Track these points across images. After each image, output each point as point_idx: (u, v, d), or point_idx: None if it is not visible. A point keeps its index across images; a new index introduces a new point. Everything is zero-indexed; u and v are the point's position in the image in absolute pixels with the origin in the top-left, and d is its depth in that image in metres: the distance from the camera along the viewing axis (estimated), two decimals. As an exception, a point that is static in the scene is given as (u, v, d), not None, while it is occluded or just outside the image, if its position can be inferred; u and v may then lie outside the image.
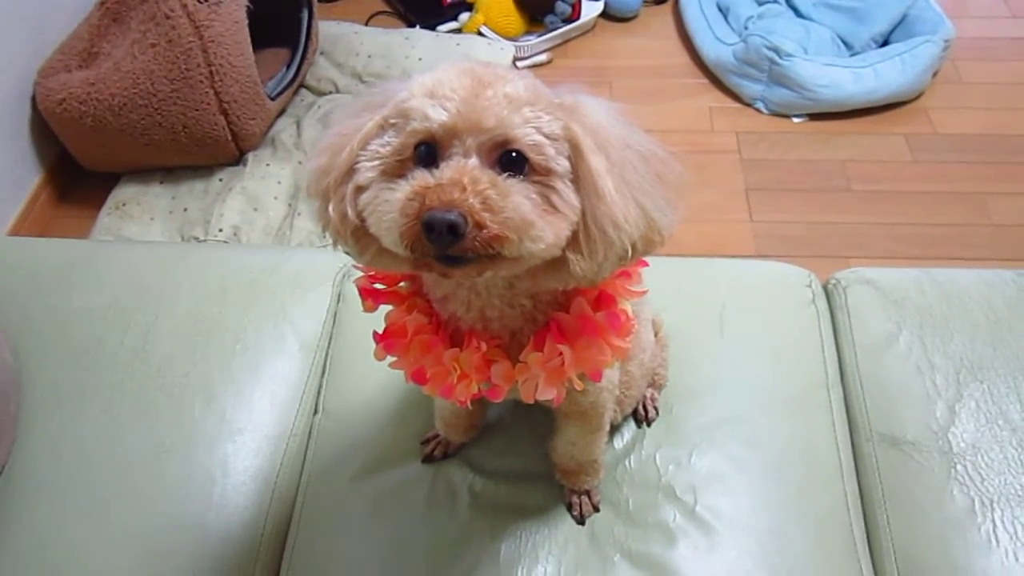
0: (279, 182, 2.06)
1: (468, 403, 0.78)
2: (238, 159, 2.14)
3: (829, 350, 1.19)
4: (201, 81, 1.90)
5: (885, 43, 2.46)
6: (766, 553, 1.00)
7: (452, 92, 0.63)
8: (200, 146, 2.02)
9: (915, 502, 1.03)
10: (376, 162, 0.65)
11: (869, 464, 1.08)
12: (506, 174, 0.62)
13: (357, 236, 0.68)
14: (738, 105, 2.43)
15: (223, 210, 1.98)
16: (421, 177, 0.62)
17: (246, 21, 1.99)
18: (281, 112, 2.28)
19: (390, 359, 0.80)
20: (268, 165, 2.11)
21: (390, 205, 0.62)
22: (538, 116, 0.63)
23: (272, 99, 2.16)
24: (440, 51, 2.40)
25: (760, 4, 2.61)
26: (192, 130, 1.97)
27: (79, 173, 2.19)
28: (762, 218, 2.10)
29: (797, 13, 2.59)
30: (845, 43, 2.49)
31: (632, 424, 1.09)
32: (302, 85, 2.37)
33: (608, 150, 0.65)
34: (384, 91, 0.69)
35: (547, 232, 0.62)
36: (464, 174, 0.60)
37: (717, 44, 2.46)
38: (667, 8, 2.79)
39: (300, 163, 2.12)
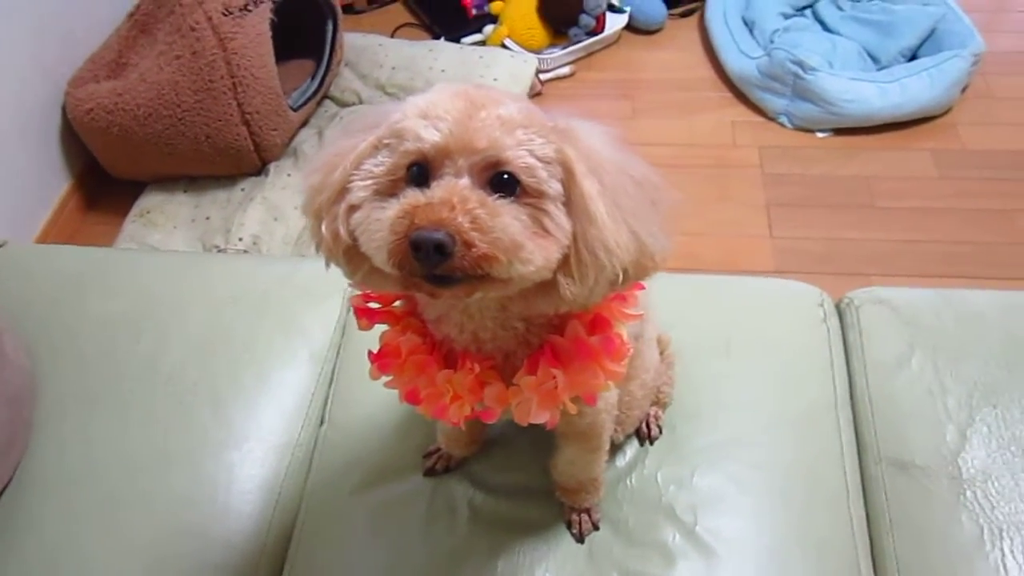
0: (300, 192, 2.07)
1: (462, 424, 0.78)
2: (260, 169, 2.17)
3: (839, 370, 1.17)
4: (224, 92, 1.93)
5: (913, 57, 2.43)
6: (766, 574, 0.99)
7: (445, 113, 0.63)
8: (223, 156, 2.05)
9: (923, 528, 1.01)
10: (369, 181, 0.65)
11: (877, 488, 1.06)
12: (497, 195, 0.62)
13: (349, 255, 0.68)
14: (762, 119, 2.42)
15: (244, 219, 2.00)
16: (412, 196, 0.62)
17: (270, 33, 2.02)
18: (304, 123, 2.30)
19: (385, 378, 0.81)
20: (289, 175, 2.13)
21: (380, 224, 0.62)
22: (531, 139, 0.63)
23: (295, 110, 2.19)
24: (464, 63, 2.41)
25: (786, 18, 2.59)
26: (215, 140, 2.00)
27: (106, 181, 2.23)
28: (783, 234, 2.08)
29: (824, 27, 2.57)
30: (872, 57, 2.46)
31: (635, 442, 1.08)
32: (326, 96, 2.39)
33: (601, 174, 0.65)
34: (379, 112, 0.69)
35: (537, 255, 0.61)
36: (454, 193, 0.60)
37: (742, 57, 2.45)
38: (692, 21, 2.78)
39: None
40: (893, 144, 2.30)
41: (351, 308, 0.81)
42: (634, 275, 0.67)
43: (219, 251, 1.95)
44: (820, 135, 2.34)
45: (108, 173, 2.21)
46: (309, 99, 2.27)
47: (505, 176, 0.62)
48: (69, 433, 1.12)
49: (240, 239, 1.96)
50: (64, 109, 2.07)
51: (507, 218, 0.61)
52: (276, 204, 2.05)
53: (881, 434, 1.10)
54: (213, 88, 1.91)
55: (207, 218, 2.07)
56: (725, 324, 1.21)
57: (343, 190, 0.66)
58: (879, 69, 2.41)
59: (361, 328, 0.80)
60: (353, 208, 0.66)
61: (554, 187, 0.63)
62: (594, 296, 0.67)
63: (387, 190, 0.65)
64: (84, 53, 2.13)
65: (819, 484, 1.06)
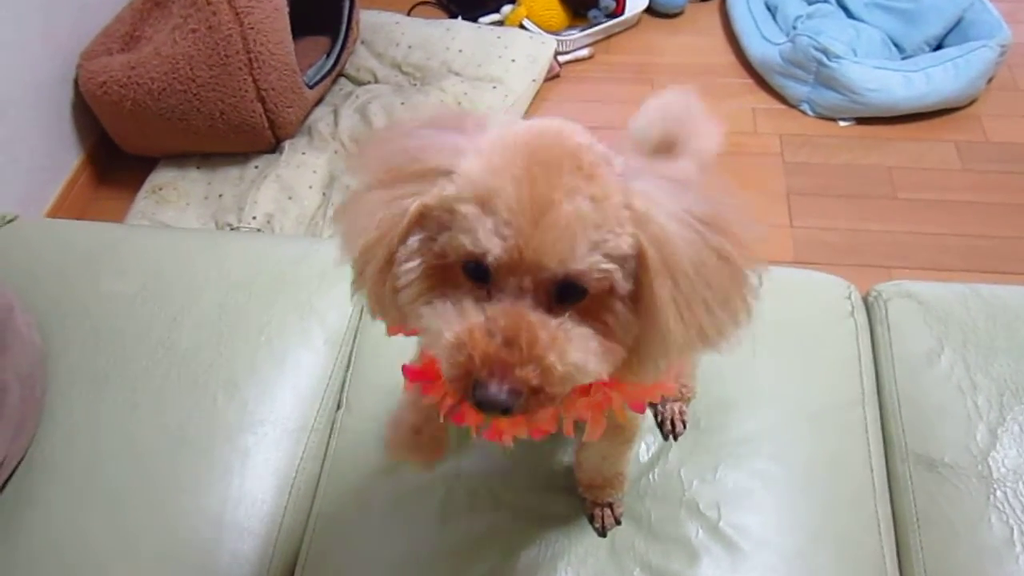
0: (314, 171, 2.06)
1: (511, 442, 0.76)
2: (274, 147, 2.14)
3: (867, 365, 1.15)
4: (240, 68, 1.90)
5: (939, 47, 2.39)
6: (791, 573, 0.97)
7: (508, 212, 0.54)
8: (237, 133, 2.02)
9: (950, 528, 0.99)
10: (416, 262, 0.60)
11: (903, 486, 1.04)
12: (566, 311, 0.57)
13: (393, 311, 0.63)
14: (783, 107, 2.38)
15: (257, 198, 1.98)
16: (469, 313, 0.57)
17: (287, 9, 1.99)
18: (319, 101, 2.27)
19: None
20: (304, 154, 2.11)
21: (436, 337, 0.57)
22: (606, 239, 0.55)
23: (310, 88, 2.16)
24: (481, 44, 2.37)
25: (810, 4, 2.54)
26: (229, 117, 1.97)
27: (118, 156, 2.21)
28: (803, 224, 2.05)
29: (848, 13, 2.52)
30: (897, 45, 2.42)
31: (658, 436, 1.06)
32: (341, 74, 2.36)
33: (677, 274, 0.57)
34: (422, 149, 0.61)
35: (601, 369, 0.58)
36: (521, 327, 0.55)
37: (764, 43, 2.41)
38: (714, 5, 2.73)
39: (336, 153, 2.12)
40: (916, 135, 2.26)
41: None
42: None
43: (232, 229, 1.93)
44: (842, 124, 2.30)
45: (120, 148, 2.19)
46: (324, 76, 2.24)
47: (572, 286, 0.57)
48: (80, 414, 1.10)
49: (254, 217, 1.94)
50: (76, 82, 2.04)
51: (580, 353, 0.56)
52: (290, 183, 2.03)
53: (909, 431, 1.07)
54: (229, 63, 1.88)
55: (220, 196, 2.04)
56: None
57: (390, 260, 0.61)
58: (903, 58, 2.37)
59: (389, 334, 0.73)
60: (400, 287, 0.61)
61: (624, 286, 0.58)
62: (647, 381, 0.64)
63: (437, 273, 0.60)
64: (97, 26, 2.10)
65: (845, 481, 1.04)
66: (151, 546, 1.00)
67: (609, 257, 0.55)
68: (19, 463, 1.06)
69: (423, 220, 0.59)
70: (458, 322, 0.57)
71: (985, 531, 0.97)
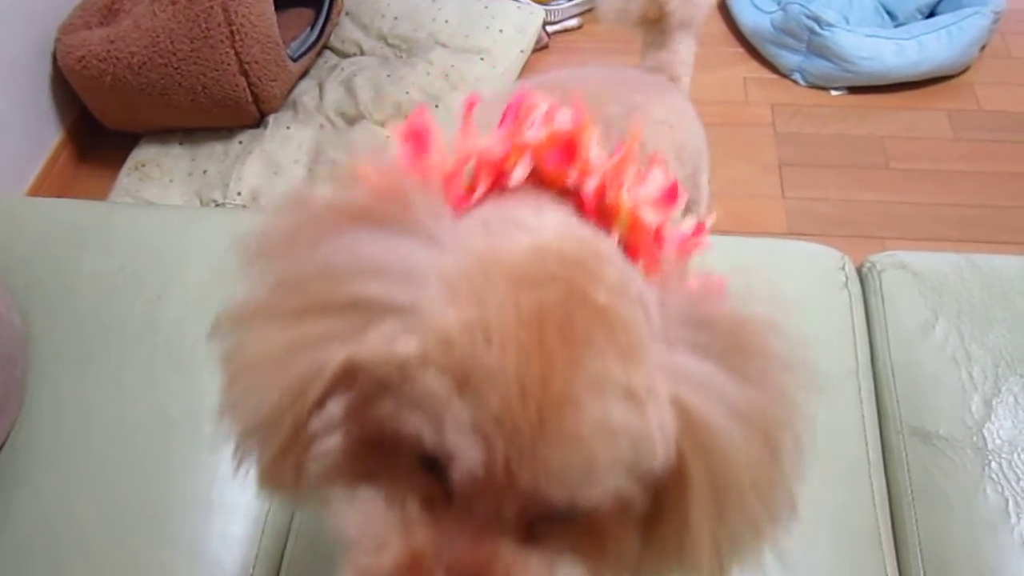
0: (299, 145, 2.03)
1: None
2: (259, 122, 2.11)
3: (861, 337, 1.14)
4: (221, 41, 1.86)
5: (932, 14, 2.37)
6: (784, 544, 0.96)
7: (501, 403, 0.35)
8: (220, 107, 1.98)
9: (945, 499, 0.99)
10: (335, 438, 0.42)
11: (898, 458, 1.04)
12: (548, 531, 0.41)
13: (296, 493, 0.47)
14: (774, 76, 2.35)
15: (242, 173, 1.95)
16: (413, 527, 0.39)
17: (269, -20, 1.95)
18: (304, 74, 2.23)
19: None
20: (289, 128, 2.07)
21: (355, 550, 0.41)
22: (640, 462, 0.39)
23: (294, 60, 2.12)
24: (468, 15, 2.33)
25: (801, -29, 2.52)
26: (212, 91, 1.93)
27: (99, 132, 2.17)
28: (795, 195, 2.03)
29: (840, -19, 2.50)
30: (889, 13, 2.40)
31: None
32: (325, 47, 2.32)
33: (726, 495, 0.42)
34: (355, 265, 0.41)
35: None
36: (487, 570, 0.38)
37: (755, 12, 2.38)
38: (704, -26, 2.70)
39: (321, 127, 2.09)
40: (908, 103, 2.25)
41: None
42: None
43: (217, 206, 1.91)
44: (834, 93, 2.29)
45: (101, 124, 2.15)
46: (309, 49, 2.20)
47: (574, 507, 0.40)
48: (64, 394, 1.08)
49: (239, 193, 1.91)
50: (54, 57, 2.00)
51: None
52: (275, 158, 2.00)
53: (904, 403, 1.07)
54: (210, 36, 1.85)
55: (204, 172, 2.01)
56: (740, 287, 1.17)
57: (295, 435, 0.43)
58: (896, 26, 2.35)
59: None
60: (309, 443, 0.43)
61: (641, 506, 0.41)
62: None
63: (371, 450, 0.41)
64: (75, -2, 2.06)
65: (840, 454, 1.04)
66: (138, 525, 0.99)
67: (639, 479, 0.39)
68: (2, 445, 1.04)
69: (351, 376, 0.41)
70: (394, 538, 0.39)
71: (980, 503, 0.97)
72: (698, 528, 0.42)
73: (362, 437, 0.41)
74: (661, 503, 0.42)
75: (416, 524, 0.39)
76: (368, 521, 0.40)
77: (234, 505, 1.02)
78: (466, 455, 0.36)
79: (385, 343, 0.38)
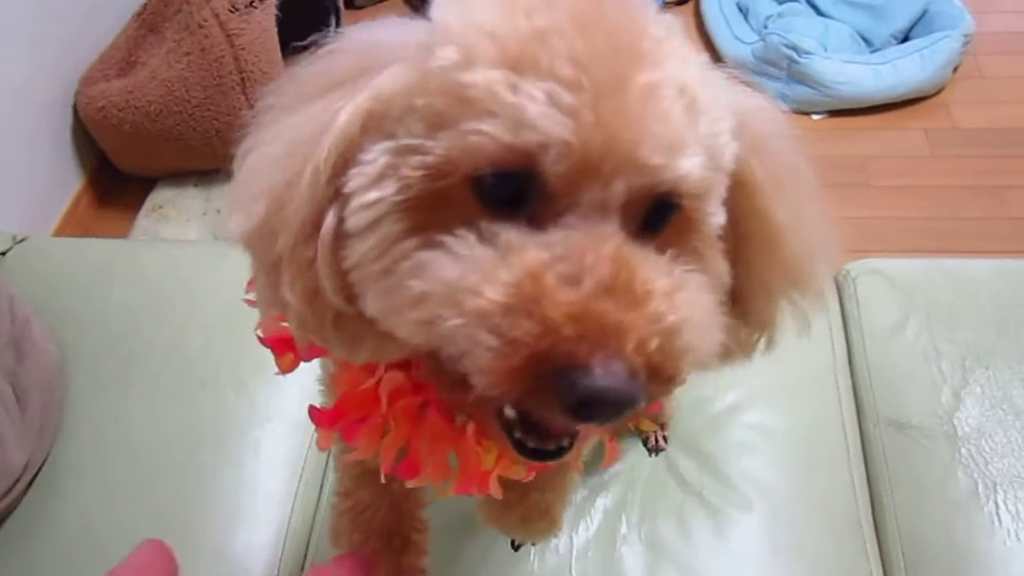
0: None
1: (499, 491, 0.53)
2: (269, 162, 2.20)
3: (838, 338, 1.22)
4: (233, 88, 1.97)
5: (905, 39, 2.47)
6: (773, 534, 1.03)
7: (572, 66, 0.32)
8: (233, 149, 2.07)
9: (920, 484, 1.05)
10: (381, 192, 0.36)
11: (876, 448, 1.11)
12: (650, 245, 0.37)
13: (342, 324, 0.41)
14: (758, 103, 2.44)
15: (254, 212, 2.03)
16: (517, 249, 0.33)
17: (275, 29, 2.06)
18: (310, 117, 2.33)
19: (340, 446, 0.53)
20: (297, 168, 2.16)
21: (451, 300, 0.33)
22: (715, 136, 0.37)
23: (301, 104, 2.21)
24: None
25: (780, 3, 2.63)
26: (225, 135, 2.03)
27: (118, 178, 2.27)
28: (781, 214, 2.11)
29: (817, 11, 2.60)
30: (865, 40, 2.50)
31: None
32: (330, 89, 2.42)
33: (786, 190, 0.42)
34: (367, 47, 0.40)
35: (718, 340, 0.40)
36: (620, 263, 0.33)
37: (736, 43, 2.48)
38: (688, 8, 2.81)
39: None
40: (887, 124, 2.34)
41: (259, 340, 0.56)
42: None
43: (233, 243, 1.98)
44: (816, 117, 2.38)
45: (119, 170, 2.25)
46: (314, 92, 2.30)
47: (663, 204, 0.37)
48: (100, 415, 1.16)
49: (251, 231, 1.99)
50: (75, 108, 2.10)
51: (702, 313, 0.37)
52: (285, 196, 2.08)
53: (879, 397, 1.14)
54: (222, 83, 1.95)
55: (218, 211, 2.10)
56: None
57: (320, 213, 0.38)
58: (872, 51, 2.45)
59: (283, 371, 0.56)
60: (344, 239, 0.38)
61: (720, 217, 0.40)
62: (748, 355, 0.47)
63: (422, 212, 0.36)
64: (93, 53, 2.17)
65: (822, 446, 1.11)
66: (173, 531, 1.03)
67: (719, 167, 0.38)
68: (43, 463, 1.12)
69: (380, 124, 0.37)
70: (500, 265, 0.33)
71: (952, 486, 1.04)
72: (780, 224, 0.42)
73: (409, 195, 0.35)
74: (737, 225, 0.41)
75: (519, 246, 0.33)
76: (461, 263, 0.33)
77: (258, 512, 1.10)
78: (555, 132, 0.32)
79: (417, 66, 0.35)
